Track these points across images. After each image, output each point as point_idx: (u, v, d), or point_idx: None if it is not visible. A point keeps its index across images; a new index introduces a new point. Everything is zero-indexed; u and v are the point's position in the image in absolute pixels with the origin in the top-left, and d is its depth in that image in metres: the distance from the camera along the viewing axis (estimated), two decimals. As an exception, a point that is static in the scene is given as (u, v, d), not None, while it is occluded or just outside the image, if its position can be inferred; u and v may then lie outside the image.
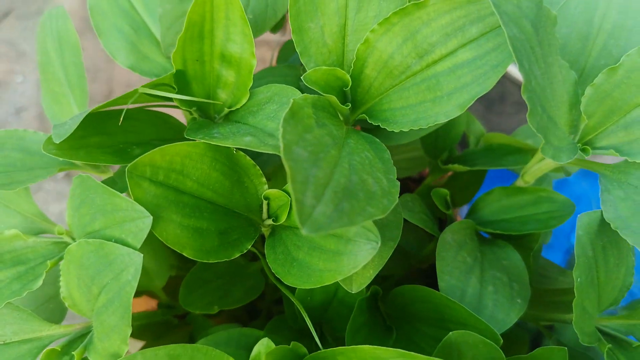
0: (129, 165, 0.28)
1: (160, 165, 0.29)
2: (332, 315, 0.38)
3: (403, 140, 0.43)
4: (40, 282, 0.36)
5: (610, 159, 0.36)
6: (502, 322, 0.34)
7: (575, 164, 0.37)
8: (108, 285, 0.30)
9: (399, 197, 0.40)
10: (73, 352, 0.34)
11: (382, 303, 0.38)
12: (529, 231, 0.39)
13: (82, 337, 0.37)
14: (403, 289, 0.36)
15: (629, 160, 0.34)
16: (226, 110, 0.37)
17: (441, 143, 0.48)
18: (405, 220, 0.52)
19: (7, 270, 0.37)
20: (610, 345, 0.36)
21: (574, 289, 0.32)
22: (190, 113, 0.38)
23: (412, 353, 0.27)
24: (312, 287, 0.30)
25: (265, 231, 0.36)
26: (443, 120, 0.31)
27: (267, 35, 0.47)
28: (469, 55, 0.30)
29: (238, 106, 0.36)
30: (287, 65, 0.44)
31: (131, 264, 0.28)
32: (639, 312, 0.38)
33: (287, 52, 0.52)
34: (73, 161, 0.38)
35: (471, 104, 0.30)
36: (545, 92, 0.30)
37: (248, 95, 0.36)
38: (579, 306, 0.33)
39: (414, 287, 0.35)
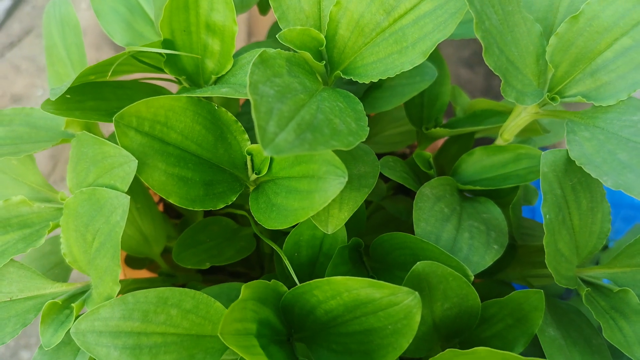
0: (116, 114, 0.30)
1: (146, 116, 0.32)
2: (319, 272, 0.40)
3: (386, 107, 0.45)
4: (42, 241, 0.38)
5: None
6: (476, 264, 0.35)
7: (547, 115, 0.38)
8: (100, 230, 0.32)
9: (380, 159, 0.41)
10: (72, 305, 0.37)
11: (367, 257, 0.40)
12: (508, 185, 0.40)
13: (82, 293, 0.39)
14: (382, 238, 0.37)
15: (596, 105, 0.35)
16: (213, 77, 0.39)
17: (427, 113, 0.50)
18: (395, 191, 0.54)
19: (13, 232, 0.40)
20: (588, 289, 0.37)
21: (544, 227, 0.33)
22: (180, 82, 0.40)
23: (380, 282, 0.29)
24: (290, 226, 0.32)
25: (251, 188, 0.38)
26: (408, 67, 0.32)
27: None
28: (430, 5, 0.32)
29: (223, 72, 0.38)
30: (274, 40, 0.46)
31: (119, 206, 0.31)
32: (620, 260, 0.39)
33: (276, 30, 0.55)
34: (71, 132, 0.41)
35: (432, 49, 0.32)
36: (504, 36, 0.32)
37: (232, 62, 0.38)
38: (551, 245, 0.34)
39: (392, 234, 0.36)
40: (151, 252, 0.45)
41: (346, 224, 0.37)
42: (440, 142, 0.57)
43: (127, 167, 0.31)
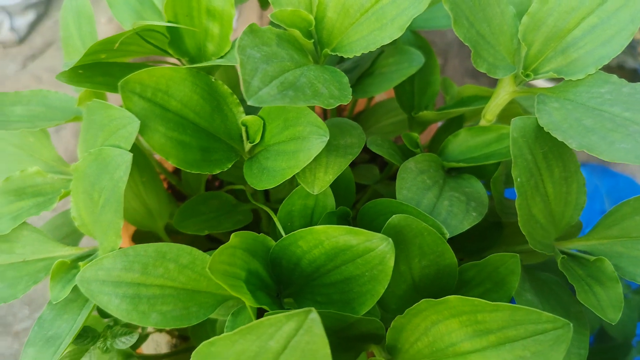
0: (122, 80, 0.34)
1: (148, 84, 0.35)
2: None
3: (377, 91, 0.48)
4: (53, 206, 0.41)
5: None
6: (454, 227, 0.37)
7: (524, 92, 0.40)
8: (105, 187, 0.35)
9: (368, 138, 0.44)
10: (80, 264, 0.39)
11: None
12: (491, 162, 0.42)
13: (89, 256, 0.42)
14: (367, 206, 0.39)
15: (566, 79, 0.37)
16: (214, 59, 0.42)
17: (418, 101, 0.52)
18: (390, 178, 0.56)
19: (28, 199, 0.43)
20: (564, 256, 0.39)
21: (515, 190, 0.35)
22: (183, 64, 0.44)
23: (357, 229, 0.31)
24: (278, 184, 0.34)
25: (246, 158, 0.41)
26: (387, 41, 0.35)
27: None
28: (407, -16, 0.35)
29: (222, 54, 0.42)
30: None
31: (122, 162, 0.34)
32: (598, 232, 0.41)
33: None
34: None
35: (408, 24, 0.34)
36: (475, 12, 0.35)
37: (230, 44, 0.42)
38: (524, 208, 0.36)
39: (376, 201, 0.39)
40: (155, 226, 0.48)
41: (336, 196, 0.40)
42: (432, 132, 0.60)
43: (130, 127, 0.34)
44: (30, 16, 1.34)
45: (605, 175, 1.03)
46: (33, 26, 1.35)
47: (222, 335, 0.28)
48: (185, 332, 0.57)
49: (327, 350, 0.27)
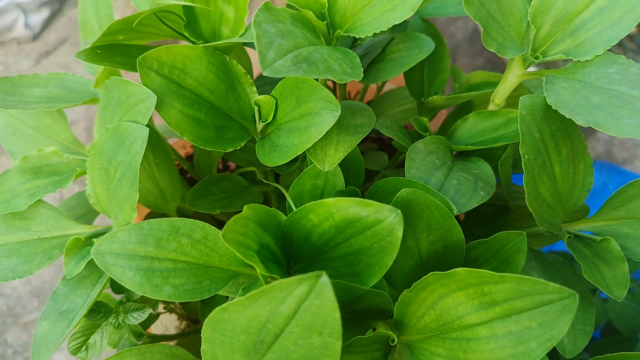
0: (140, 56, 0.35)
1: (165, 61, 0.36)
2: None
3: (388, 76, 0.48)
4: (69, 184, 0.42)
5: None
6: (462, 205, 0.38)
7: (532, 75, 0.41)
8: (122, 162, 0.36)
9: (378, 120, 0.45)
10: (94, 240, 0.40)
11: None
12: (499, 144, 0.43)
13: (103, 233, 0.43)
14: (377, 184, 0.40)
15: (574, 61, 0.38)
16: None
17: (427, 88, 0.53)
18: (399, 165, 0.57)
19: (45, 178, 0.44)
20: (570, 236, 0.39)
21: (523, 167, 0.35)
22: (198, 47, 0.45)
23: (367, 200, 0.32)
24: (290, 159, 0.35)
25: (258, 138, 0.41)
26: (399, 21, 0.36)
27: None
28: (419, -34, 0.36)
29: (237, 37, 0.43)
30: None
31: (139, 137, 0.35)
32: (604, 213, 0.41)
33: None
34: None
35: (420, 3, 0.35)
36: (485, -7, 0.35)
37: (244, 27, 0.43)
38: (531, 185, 0.36)
39: (385, 180, 0.39)
40: (167, 207, 0.49)
41: (345, 179, 0.41)
42: (441, 120, 0.60)
43: (147, 102, 0.35)
44: (44, 13, 1.36)
45: (614, 173, 1.03)
46: (47, 23, 1.38)
47: (234, 300, 0.28)
48: (195, 315, 0.58)
49: (337, 314, 0.27)
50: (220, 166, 0.66)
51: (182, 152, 0.64)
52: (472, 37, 1.28)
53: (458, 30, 1.29)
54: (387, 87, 0.67)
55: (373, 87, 0.70)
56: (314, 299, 0.27)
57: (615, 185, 1.04)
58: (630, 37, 1.02)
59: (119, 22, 0.38)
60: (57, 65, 1.36)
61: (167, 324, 0.62)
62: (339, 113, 0.33)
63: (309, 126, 0.34)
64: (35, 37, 1.36)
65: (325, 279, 0.27)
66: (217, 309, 0.29)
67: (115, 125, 0.36)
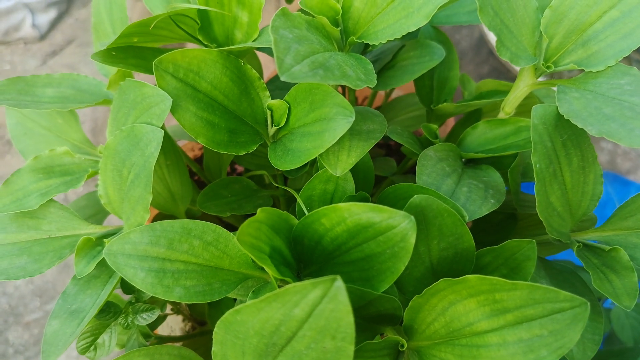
0: (156, 59, 0.35)
1: (181, 64, 0.36)
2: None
3: (398, 83, 0.49)
4: (81, 184, 0.43)
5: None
6: (472, 212, 0.38)
7: (543, 85, 0.41)
8: (135, 163, 0.36)
9: (389, 127, 0.45)
10: (105, 240, 0.41)
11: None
12: (509, 152, 0.43)
13: (114, 233, 0.43)
14: (387, 190, 0.40)
15: (586, 71, 0.38)
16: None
17: (437, 96, 0.53)
18: (407, 171, 0.57)
19: (56, 178, 0.44)
20: (580, 244, 0.39)
21: (534, 175, 0.36)
22: (212, 50, 0.45)
23: (380, 206, 0.32)
24: (302, 164, 0.35)
25: (270, 143, 0.42)
26: (413, 29, 0.36)
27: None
28: (434, -26, 0.37)
29: (250, 41, 0.43)
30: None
31: (154, 139, 0.35)
32: (613, 223, 0.41)
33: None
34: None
35: (434, 12, 0.36)
36: (500, 2, 0.36)
37: (258, 32, 0.43)
38: (542, 194, 0.36)
39: (396, 186, 0.40)
40: (177, 210, 0.49)
41: (356, 182, 0.41)
42: (450, 127, 0.61)
43: (162, 105, 0.35)
44: (51, 14, 1.37)
45: (617, 182, 1.03)
46: (54, 23, 1.38)
47: (248, 302, 0.29)
48: (201, 317, 0.58)
49: (351, 319, 0.27)
50: (228, 169, 0.66)
51: (190, 155, 0.64)
52: (478, 45, 1.28)
53: (463, 37, 1.29)
54: (395, 94, 0.67)
55: (381, 93, 0.70)
56: (328, 302, 0.27)
57: (619, 194, 1.04)
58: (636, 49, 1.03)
59: (135, 25, 0.38)
60: (63, 65, 1.36)
61: (173, 325, 0.62)
62: (353, 119, 0.33)
63: (323, 131, 0.35)
64: (42, 37, 1.36)
65: (339, 283, 0.27)
66: (230, 311, 0.29)
67: (129, 126, 0.36)
